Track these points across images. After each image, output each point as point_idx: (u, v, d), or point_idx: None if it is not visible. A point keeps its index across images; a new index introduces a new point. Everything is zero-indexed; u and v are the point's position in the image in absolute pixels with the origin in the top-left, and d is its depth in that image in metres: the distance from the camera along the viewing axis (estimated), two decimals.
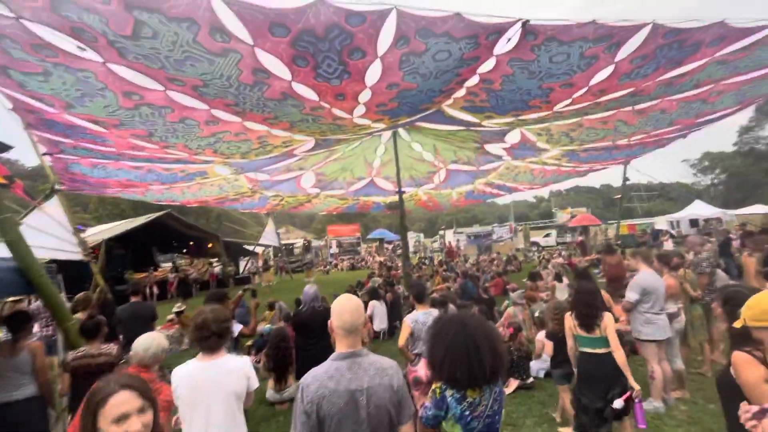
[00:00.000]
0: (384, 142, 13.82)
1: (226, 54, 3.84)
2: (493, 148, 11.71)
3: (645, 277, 3.99)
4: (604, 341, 3.34)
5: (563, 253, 19.13)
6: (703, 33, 4.22)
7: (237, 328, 3.30)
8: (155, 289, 13.65)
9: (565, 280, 9.36)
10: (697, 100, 6.65)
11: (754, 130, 42.49)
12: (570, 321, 3.30)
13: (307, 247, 27.67)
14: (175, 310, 8.52)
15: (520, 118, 7.22)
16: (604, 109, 6.85)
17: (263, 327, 6.35)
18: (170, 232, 17.94)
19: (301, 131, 6.74)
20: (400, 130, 12.96)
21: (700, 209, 25.83)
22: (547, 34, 4.04)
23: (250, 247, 21.65)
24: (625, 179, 15.23)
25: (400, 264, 17.04)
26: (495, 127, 8.49)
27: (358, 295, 8.39)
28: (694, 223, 25.61)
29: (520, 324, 4.60)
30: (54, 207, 10.91)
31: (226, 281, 19.01)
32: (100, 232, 15.75)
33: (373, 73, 4.47)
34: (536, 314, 4.97)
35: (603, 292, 6.64)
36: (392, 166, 12.95)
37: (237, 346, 5.22)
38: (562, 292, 8.96)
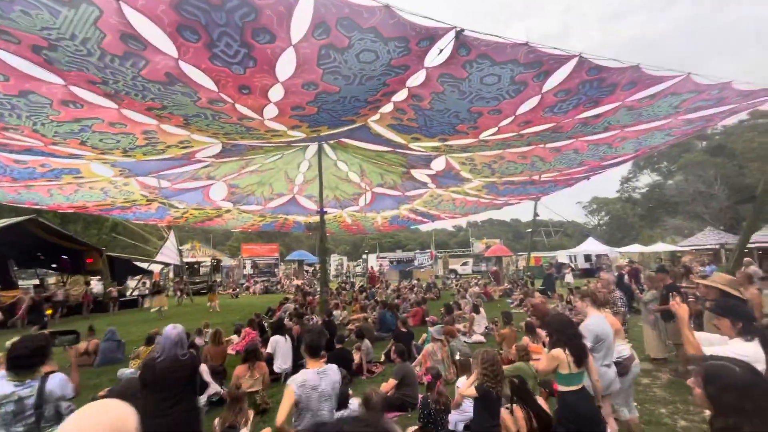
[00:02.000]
0: (308, 158, 12.99)
1: (76, 4, 2.82)
2: (419, 174, 11.61)
3: (596, 322, 3.40)
4: (584, 374, 2.91)
5: (480, 281, 19.79)
6: (620, 75, 4.31)
7: (61, 386, 2.18)
8: None
9: (482, 311, 9.28)
10: (604, 143, 7.10)
11: (632, 180, 50.59)
12: (564, 357, 2.75)
13: (215, 267, 24.75)
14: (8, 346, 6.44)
15: (447, 143, 7.03)
16: (525, 143, 6.97)
17: (126, 370, 4.92)
18: (37, 241, 14.54)
19: (201, 130, 5.67)
20: (326, 147, 12.28)
21: (592, 246, 29.28)
22: (480, 50, 3.74)
23: (145, 265, 18.54)
24: (536, 214, 16.42)
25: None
26: (422, 151, 8.26)
27: (264, 327, 7.22)
28: (587, 258, 28.87)
29: (438, 371, 4.04)
30: None
31: (106, 305, 15.81)
32: None
33: (286, 65, 3.74)
34: (456, 356, 4.55)
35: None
36: (316, 184, 12.13)
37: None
38: (480, 325, 8.82)
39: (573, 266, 25.23)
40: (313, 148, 12.25)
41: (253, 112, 4.82)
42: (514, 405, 3.08)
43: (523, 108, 5.05)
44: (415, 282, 22.45)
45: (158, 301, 14.08)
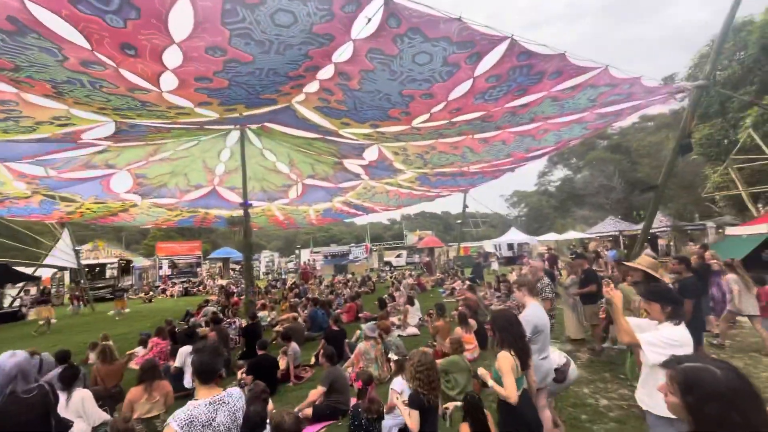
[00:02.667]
0: (230, 146, 11.83)
1: None
2: (352, 164, 11.20)
3: (534, 311, 3.25)
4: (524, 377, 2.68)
5: (413, 273, 20.06)
6: (548, 62, 4.31)
7: None
8: None
9: (416, 302, 9.23)
10: (529, 135, 7.33)
11: (547, 174, 55.59)
12: (511, 361, 2.45)
13: (124, 269, 21.64)
14: None
15: (379, 129, 6.70)
16: (456, 132, 6.91)
17: None
18: None
19: (81, 104, 4.62)
20: (250, 134, 11.29)
21: (514, 236, 31.50)
22: (411, 22, 3.42)
23: (30, 270, 15.45)
24: (465, 206, 16.98)
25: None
26: (353, 139, 7.85)
27: (175, 335, 6.29)
28: (510, 246, 31.00)
29: (369, 375, 3.70)
30: None
31: None
32: None
33: (180, 22, 3.06)
34: (391, 354, 4.25)
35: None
36: (239, 174, 11.09)
37: None
38: (414, 317, 8.74)
39: (498, 255, 26.89)
40: (235, 134, 11.19)
41: (145, 81, 3.98)
42: (463, 423, 2.83)
43: (455, 93, 4.88)
44: (349, 276, 22.09)
45: (43, 312, 11.82)
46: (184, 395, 5.10)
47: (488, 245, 31.32)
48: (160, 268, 26.61)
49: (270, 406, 3.79)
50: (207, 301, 11.48)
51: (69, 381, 4.04)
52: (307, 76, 4.51)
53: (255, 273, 31.87)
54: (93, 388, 4.52)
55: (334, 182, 13.60)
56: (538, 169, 56.50)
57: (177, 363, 5.03)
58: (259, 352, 5.17)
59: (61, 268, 17.16)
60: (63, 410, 3.85)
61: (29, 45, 3.16)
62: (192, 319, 8.24)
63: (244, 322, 7.75)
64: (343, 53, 3.99)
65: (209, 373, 1.89)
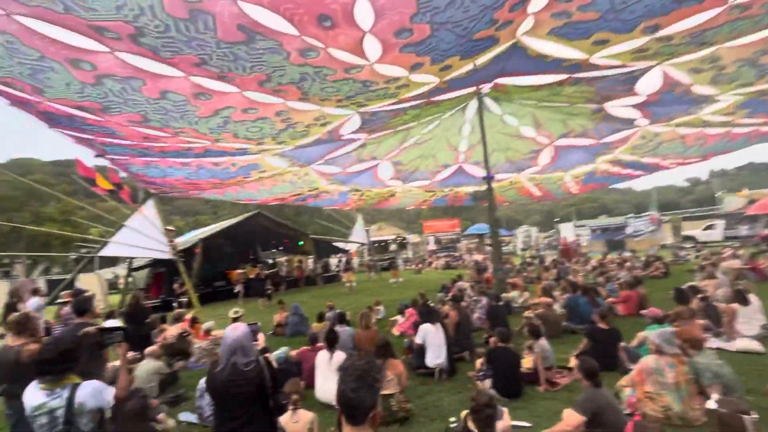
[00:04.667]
0: (469, 119, 11.49)
1: None
2: (619, 107, 8.38)
3: None
4: None
5: (740, 252, 13.57)
6: None
7: (95, 396, 1.91)
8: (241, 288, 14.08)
9: (753, 299, 5.79)
10: None
11: None
12: None
13: (401, 244, 26.27)
14: (231, 315, 7.97)
15: (660, 34, 4.35)
16: None
17: (278, 352, 5.05)
18: (268, 231, 18.75)
19: (324, 100, 5.20)
20: (487, 101, 10.50)
21: None
22: None
23: (342, 245, 21.41)
24: None
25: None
26: (615, 64, 5.57)
27: (428, 305, 6.43)
28: None
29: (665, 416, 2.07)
30: (149, 210, 11.81)
31: (314, 279, 19.05)
32: (201, 233, 17.26)
33: None
34: (706, 380, 2.36)
35: None
36: (482, 147, 10.54)
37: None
38: (751, 322, 5.50)
39: None
40: (472, 106, 10.69)
41: (353, 56, 3.89)
42: None
43: None
44: (627, 254, 17.64)
45: (347, 276, 15.71)
46: (426, 374, 5.03)
47: None
48: (427, 243, 30.55)
49: (505, 422, 2.95)
50: (460, 276, 11.76)
51: (331, 343, 4.59)
52: None
53: (511, 249, 31.18)
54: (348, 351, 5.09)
55: (595, 137, 10.84)
56: None
57: (417, 340, 5.02)
58: (492, 342, 4.38)
59: (362, 244, 22.43)
60: (326, 368, 4.43)
61: (260, 50, 3.56)
62: (438, 295, 8.45)
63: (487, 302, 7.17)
64: None
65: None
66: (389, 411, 3.71)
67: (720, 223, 24.94)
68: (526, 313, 6.79)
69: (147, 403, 3.10)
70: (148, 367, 5.02)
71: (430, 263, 24.21)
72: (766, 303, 6.15)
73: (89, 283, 15.73)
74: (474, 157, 13.54)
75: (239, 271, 15.49)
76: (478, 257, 21.97)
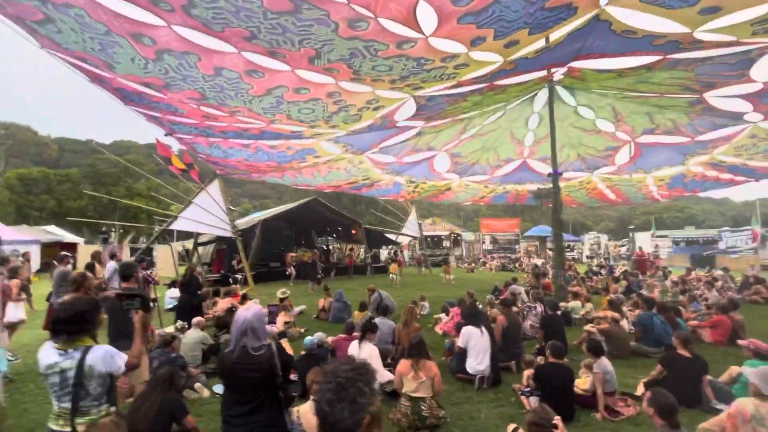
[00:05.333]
0: (538, 110, 10.58)
1: None
2: (722, 99, 7.05)
3: None
4: None
5: None
6: None
7: (105, 360, 1.88)
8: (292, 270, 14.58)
9: None
10: None
11: None
12: None
13: (455, 241, 25.44)
14: (279, 295, 8.19)
15: None
16: None
17: (309, 338, 4.93)
18: (321, 216, 19.22)
19: (375, 80, 4.94)
20: (560, 90, 9.55)
21: None
22: None
23: (394, 237, 21.24)
24: None
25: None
26: (728, 41, 4.58)
27: (475, 306, 6.02)
28: None
29: None
30: (214, 189, 12.57)
31: (364, 268, 19.12)
32: (262, 215, 18.08)
33: None
34: None
35: None
36: (549, 141, 9.65)
37: None
38: None
39: None
40: (542, 96, 9.79)
41: (406, 27, 3.56)
42: None
43: None
44: (718, 273, 15.25)
45: (393, 268, 15.50)
46: (465, 379, 4.64)
47: None
48: (483, 242, 29.28)
49: None
50: (515, 279, 10.95)
51: (365, 332, 4.39)
52: None
53: (576, 256, 28.80)
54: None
55: (689, 133, 9.37)
56: None
57: (460, 342, 4.62)
58: (543, 358, 3.82)
59: (414, 237, 22.12)
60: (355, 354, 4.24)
61: (308, 21, 3.38)
62: (488, 296, 7.86)
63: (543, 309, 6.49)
64: None
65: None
66: (419, 416, 3.41)
67: None
68: (588, 327, 6.05)
69: (176, 372, 3.12)
70: (194, 336, 5.23)
71: (484, 263, 23.17)
72: None
73: (164, 253, 17.35)
74: (540, 152, 12.49)
75: (292, 254, 16.02)
76: (538, 261, 20.54)
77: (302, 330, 7.21)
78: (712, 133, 8.91)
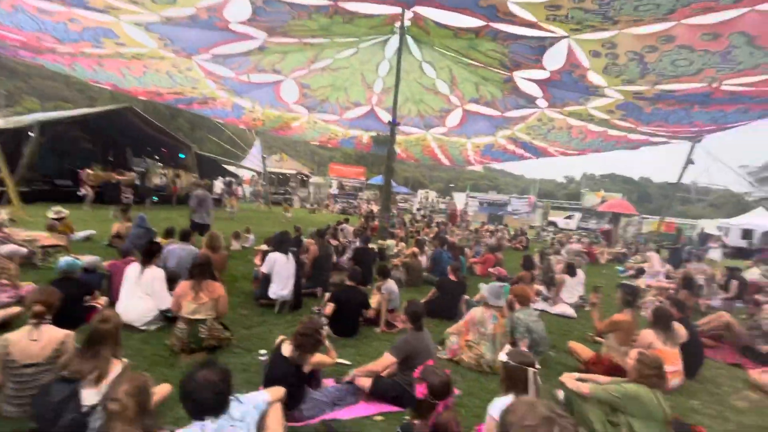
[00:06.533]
0: (388, 57, 10.69)
1: None
2: (526, 81, 8.49)
3: None
4: None
5: (582, 239, 16.13)
6: None
7: None
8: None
9: (580, 274, 6.66)
10: None
11: None
12: None
13: (302, 181, 25.12)
14: (50, 215, 6.39)
15: None
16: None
17: (67, 259, 3.98)
18: (143, 134, 15.74)
19: None
20: (409, 42, 9.79)
21: (759, 220, 21.48)
22: None
23: (234, 169, 19.33)
24: (690, 161, 11.76)
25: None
26: (530, 20, 5.33)
27: (284, 233, 5.82)
28: (747, 233, 21.44)
29: (447, 381, 1.93)
30: None
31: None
32: (45, 116, 13.39)
33: None
34: (518, 333, 2.52)
35: None
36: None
37: None
38: (572, 292, 6.30)
39: (724, 241, 19.02)
40: (393, 44, 9.87)
41: None
42: None
43: None
44: (501, 227, 19.61)
45: (230, 202, 14.32)
46: (266, 305, 4.59)
47: (710, 226, 22.87)
48: (330, 186, 29.81)
49: (317, 358, 2.62)
50: (347, 220, 11.50)
51: (148, 255, 3.77)
52: None
53: (408, 207, 32.42)
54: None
55: (500, 109, 11.09)
56: None
57: (264, 269, 4.49)
58: (345, 281, 4.14)
59: (254, 171, 20.53)
60: (134, 283, 3.64)
61: None
62: (311, 229, 8.05)
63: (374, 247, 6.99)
64: None
65: None
66: (195, 338, 3.15)
67: (577, 215, 29.58)
68: (394, 261, 6.82)
69: None
70: None
71: (327, 206, 23.75)
72: (590, 281, 7.17)
73: None
74: (388, 102, 12.91)
75: (89, 171, 12.78)
76: (374, 207, 22.21)
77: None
78: (515, 111, 10.76)
